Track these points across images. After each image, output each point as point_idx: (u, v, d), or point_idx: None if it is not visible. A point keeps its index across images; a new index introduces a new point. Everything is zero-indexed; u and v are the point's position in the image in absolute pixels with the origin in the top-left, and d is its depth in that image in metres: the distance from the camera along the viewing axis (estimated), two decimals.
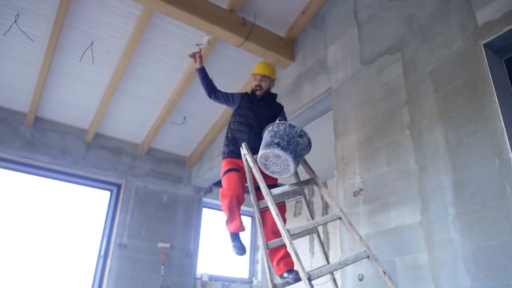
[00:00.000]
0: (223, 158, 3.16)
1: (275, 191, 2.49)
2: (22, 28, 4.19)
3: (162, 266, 5.70)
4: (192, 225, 6.26)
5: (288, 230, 2.20)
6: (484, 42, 2.60)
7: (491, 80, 2.49)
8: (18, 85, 4.94)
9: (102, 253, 5.54)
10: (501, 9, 2.54)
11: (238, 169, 3.00)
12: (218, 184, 6.79)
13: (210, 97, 3.35)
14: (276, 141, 2.44)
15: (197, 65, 3.35)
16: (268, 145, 2.46)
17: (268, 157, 2.48)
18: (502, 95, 2.49)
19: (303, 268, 2.00)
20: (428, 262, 2.55)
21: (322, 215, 6.36)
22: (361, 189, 3.20)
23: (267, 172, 2.60)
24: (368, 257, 2.16)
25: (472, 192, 2.42)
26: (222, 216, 3.06)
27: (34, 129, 5.40)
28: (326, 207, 6.45)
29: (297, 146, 2.45)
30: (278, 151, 2.41)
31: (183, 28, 4.40)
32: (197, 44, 3.54)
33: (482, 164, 2.41)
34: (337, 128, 3.64)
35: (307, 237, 6.40)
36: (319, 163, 5.10)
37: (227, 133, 3.23)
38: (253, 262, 7.01)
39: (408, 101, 3.01)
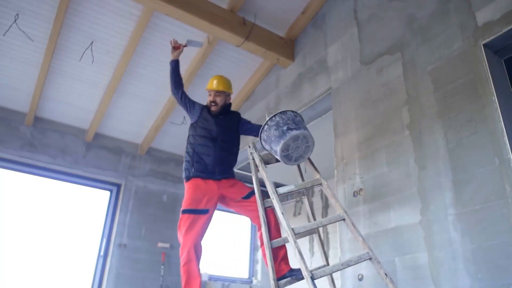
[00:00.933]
0: (189, 178, 2.88)
1: (281, 190, 2.48)
2: (22, 28, 4.19)
3: (162, 266, 5.70)
4: None
5: (292, 229, 2.21)
6: (484, 42, 2.60)
7: (491, 80, 2.49)
8: (18, 85, 4.94)
9: (101, 253, 5.54)
10: (501, 9, 2.54)
11: (204, 210, 2.75)
12: None
13: (176, 93, 3.21)
14: (285, 128, 2.45)
15: (175, 57, 3.27)
16: (282, 136, 2.44)
17: (289, 145, 2.46)
18: (502, 95, 2.49)
19: (306, 267, 2.00)
20: (428, 262, 2.55)
21: (322, 216, 6.36)
22: (361, 189, 3.20)
23: (290, 163, 2.56)
24: (370, 258, 2.16)
25: (472, 192, 2.42)
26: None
27: (34, 129, 5.40)
28: (326, 207, 6.45)
29: (301, 123, 2.52)
30: (295, 132, 2.42)
31: (183, 28, 4.40)
32: (187, 40, 3.37)
33: (482, 164, 2.41)
34: (337, 128, 3.64)
35: (307, 237, 6.41)
36: (319, 163, 5.10)
37: (187, 148, 3.02)
38: (253, 262, 7.01)
39: (408, 101, 3.02)
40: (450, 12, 2.88)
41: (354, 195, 3.25)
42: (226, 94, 3.16)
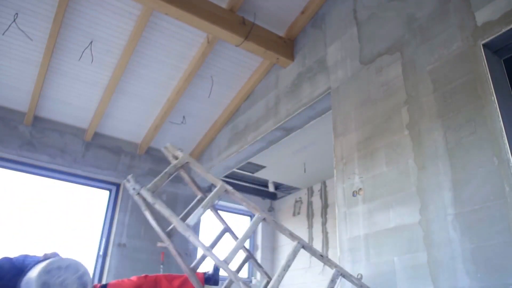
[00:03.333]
0: None
1: (191, 221, 2.25)
2: (21, 27, 4.18)
3: (161, 266, 5.69)
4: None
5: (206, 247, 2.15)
6: (483, 42, 2.60)
7: (490, 80, 2.49)
8: (17, 84, 4.94)
9: (101, 253, 5.53)
10: (501, 9, 2.55)
11: None
12: None
13: None
14: None
15: None
16: None
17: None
18: (501, 95, 2.49)
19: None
20: (427, 262, 2.55)
21: (322, 216, 6.36)
22: (360, 189, 3.21)
23: None
24: (303, 246, 2.18)
25: (471, 192, 2.42)
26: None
27: (33, 128, 5.39)
28: (325, 206, 6.44)
29: None
30: None
31: (183, 28, 4.40)
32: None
33: (481, 164, 2.41)
34: (337, 128, 3.65)
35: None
36: (318, 163, 5.11)
37: None
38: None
39: (408, 101, 3.02)
40: (449, 12, 2.88)
41: (353, 195, 3.25)
42: None
